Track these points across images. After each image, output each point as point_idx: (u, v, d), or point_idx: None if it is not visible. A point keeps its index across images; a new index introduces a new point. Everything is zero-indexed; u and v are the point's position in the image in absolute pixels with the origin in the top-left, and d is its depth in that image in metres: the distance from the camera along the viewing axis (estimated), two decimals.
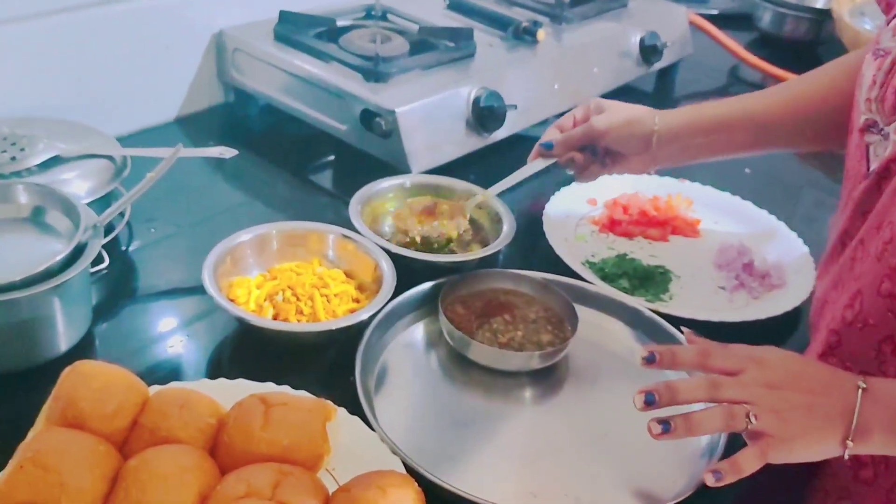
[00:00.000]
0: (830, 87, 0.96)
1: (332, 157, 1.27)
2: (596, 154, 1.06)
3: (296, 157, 1.27)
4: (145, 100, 1.27)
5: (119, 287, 0.98)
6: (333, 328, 0.86)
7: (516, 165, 1.22)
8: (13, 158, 0.97)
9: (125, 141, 1.18)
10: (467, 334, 0.90)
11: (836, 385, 0.72)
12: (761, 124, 1.00)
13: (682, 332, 0.87)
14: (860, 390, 0.70)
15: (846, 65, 0.95)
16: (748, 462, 0.70)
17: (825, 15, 1.78)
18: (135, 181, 0.91)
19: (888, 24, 0.79)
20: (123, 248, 1.04)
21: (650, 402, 0.72)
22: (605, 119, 1.03)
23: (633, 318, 0.98)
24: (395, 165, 1.16)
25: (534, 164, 1.07)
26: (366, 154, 1.19)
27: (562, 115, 1.35)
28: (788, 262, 1.10)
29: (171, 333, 0.92)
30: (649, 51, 1.50)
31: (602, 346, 0.96)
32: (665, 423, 0.71)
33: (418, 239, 1.03)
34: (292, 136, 1.30)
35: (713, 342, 0.79)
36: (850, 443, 0.69)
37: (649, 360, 0.76)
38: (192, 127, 1.32)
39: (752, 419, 0.69)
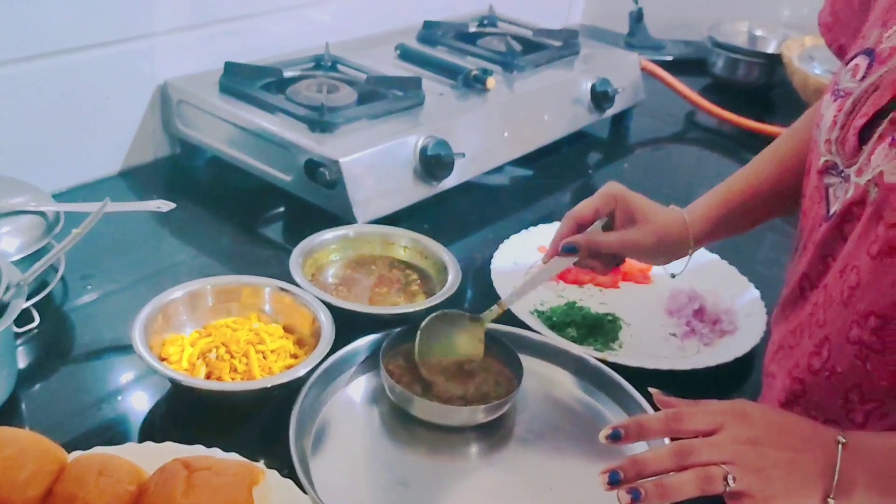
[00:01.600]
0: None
1: (278, 209, 1.25)
2: (618, 262, 1.00)
3: (242, 209, 1.24)
4: (88, 153, 1.25)
5: (50, 347, 0.95)
6: (268, 386, 0.83)
7: (465, 215, 1.20)
8: None
9: (66, 196, 1.16)
10: (409, 390, 0.87)
11: (816, 440, 0.69)
12: (773, 199, 0.97)
13: (648, 391, 0.83)
14: (840, 445, 0.68)
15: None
16: None
17: (776, 60, 1.80)
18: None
19: (846, 64, 0.78)
20: (57, 305, 1.01)
21: (615, 482, 0.67)
22: (637, 238, 0.95)
23: (579, 368, 0.95)
24: (340, 215, 1.14)
25: (552, 267, 0.97)
26: (312, 205, 1.17)
27: (512, 162, 1.35)
28: (739, 307, 1.09)
29: (103, 396, 0.88)
30: (601, 97, 1.50)
31: (549, 397, 0.94)
32: (635, 491, 0.66)
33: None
34: (239, 188, 1.27)
35: (683, 401, 0.73)
36: (831, 500, 0.67)
37: (614, 438, 0.70)
38: (136, 180, 1.30)
39: (731, 481, 0.66)
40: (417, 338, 0.90)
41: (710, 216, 0.97)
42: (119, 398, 0.88)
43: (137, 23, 1.24)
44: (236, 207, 1.25)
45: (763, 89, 1.86)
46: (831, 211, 0.76)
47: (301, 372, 0.85)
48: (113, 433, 0.84)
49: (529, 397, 0.92)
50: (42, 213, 1.00)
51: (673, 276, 1.11)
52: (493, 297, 1.03)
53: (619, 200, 0.95)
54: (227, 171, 1.27)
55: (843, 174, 0.75)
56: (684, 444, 0.69)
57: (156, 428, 0.84)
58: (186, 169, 1.33)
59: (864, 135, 0.72)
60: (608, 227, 0.96)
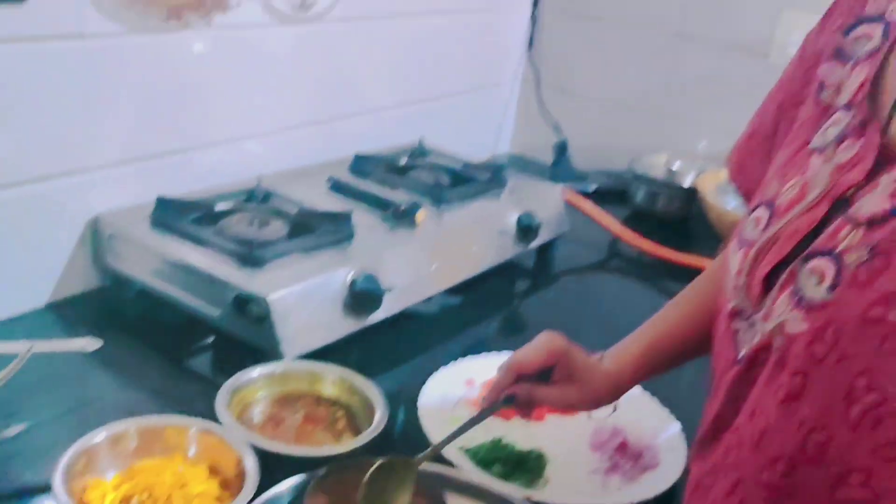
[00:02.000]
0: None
1: (206, 343, 1.25)
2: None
3: (170, 343, 1.24)
4: (14, 286, 1.24)
5: None
6: None
7: (394, 347, 1.22)
8: None
9: None
10: None
11: None
12: (701, 336, 1.00)
13: None
14: None
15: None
16: None
17: (693, 193, 1.88)
18: None
19: (749, 214, 0.83)
20: None
21: None
22: (575, 399, 0.99)
23: None
24: (268, 350, 1.15)
25: (485, 412, 0.97)
26: (240, 339, 1.18)
27: (440, 292, 1.38)
28: (661, 441, 1.11)
29: None
30: (526, 230, 1.55)
31: None
32: None
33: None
34: (167, 321, 1.27)
35: None
36: None
37: None
38: (64, 313, 1.29)
39: None
40: (362, 493, 0.88)
41: (639, 368, 1.01)
42: None
43: (72, 157, 1.25)
44: (165, 341, 1.24)
45: (682, 220, 1.94)
46: (740, 355, 0.80)
47: None
48: None
49: None
50: None
51: (590, 416, 1.13)
52: (420, 435, 1.04)
53: (560, 357, 0.97)
54: (156, 304, 1.28)
55: (749, 319, 0.79)
56: None
57: None
58: (115, 301, 1.33)
59: (768, 283, 0.77)
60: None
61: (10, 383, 0.86)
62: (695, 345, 1.01)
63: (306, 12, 1.50)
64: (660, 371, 1.03)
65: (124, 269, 1.29)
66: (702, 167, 1.99)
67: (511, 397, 0.96)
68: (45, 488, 0.88)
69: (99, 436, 0.91)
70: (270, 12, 1.45)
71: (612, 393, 1.00)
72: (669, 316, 1.03)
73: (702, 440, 0.89)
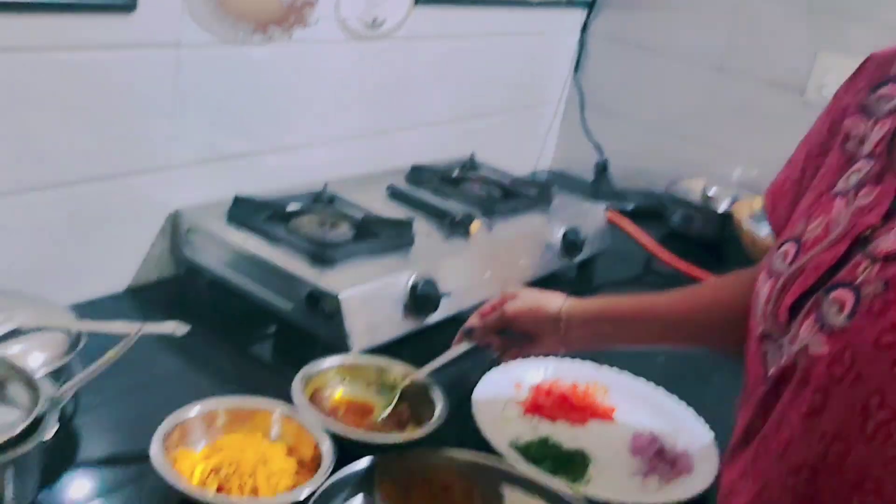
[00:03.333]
0: (733, 297, 1.08)
1: (275, 333, 1.35)
2: (513, 338, 1.19)
3: (241, 332, 1.34)
4: (99, 271, 1.34)
5: (60, 456, 1.01)
6: None
7: (448, 346, 1.31)
8: None
9: (76, 309, 1.24)
10: None
11: None
12: (665, 321, 1.13)
13: None
14: None
15: (751, 278, 1.07)
16: None
17: (728, 217, 1.96)
18: (89, 353, 0.97)
19: (778, 248, 0.91)
20: (66, 416, 1.08)
21: None
22: (515, 305, 1.18)
23: (556, 500, 1.05)
24: (335, 344, 1.24)
25: (458, 348, 1.22)
26: (308, 332, 1.27)
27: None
28: (695, 450, 1.20)
29: None
30: (571, 245, 1.64)
31: None
32: None
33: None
34: (239, 311, 1.37)
35: None
36: None
37: None
38: (142, 298, 1.39)
39: None
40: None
41: (590, 304, 1.17)
42: None
43: (157, 155, 1.35)
44: (236, 330, 1.34)
45: (716, 243, 2.02)
46: (768, 374, 0.89)
47: (303, 494, 0.93)
48: None
49: None
50: (64, 330, 1.08)
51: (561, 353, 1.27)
52: (474, 429, 1.13)
53: (508, 294, 1.21)
54: (227, 294, 1.37)
55: (777, 342, 0.87)
56: None
57: None
58: (189, 290, 1.43)
59: (794, 310, 0.85)
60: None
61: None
62: (670, 331, 1.14)
63: (376, 31, 1.60)
64: (609, 337, 1.16)
65: (200, 260, 1.39)
66: (736, 194, 2.06)
67: (468, 329, 1.22)
68: (134, 457, 0.97)
69: (192, 411, 1.00)
70: (344, 29, 1.55)
71: (552, 314, 1.16)
72: (646, 297, 1.18)
73: (733, 448, 0.97)
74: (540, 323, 1.17)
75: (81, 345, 1.08)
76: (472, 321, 1.22)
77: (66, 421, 1.06)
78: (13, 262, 1.22)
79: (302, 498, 0.92)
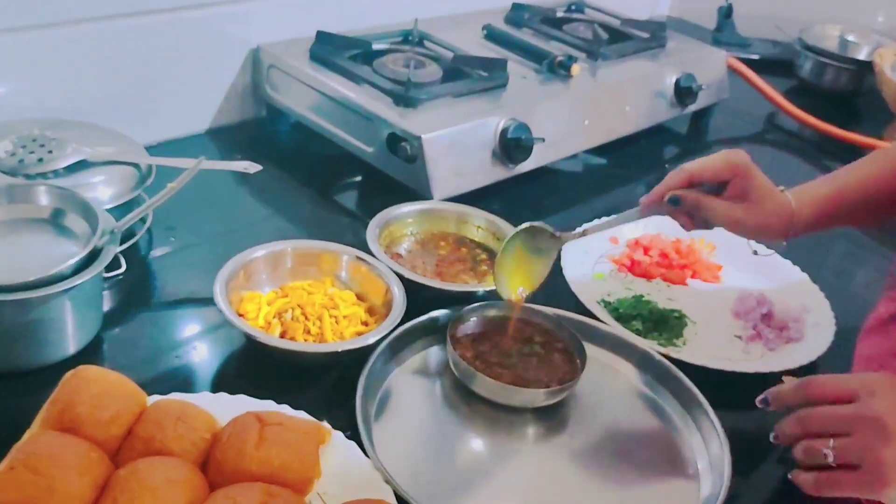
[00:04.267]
0: None
1: (356, 178, 1.28)
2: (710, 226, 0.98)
3: (321, 176, 1.27)
4: (179, 109, 1.29)
5: (133, 293, 0.99)
6: (339, 350, 0.86)
7: (539, 199, 1.22)
8: (40, 160, 0.99)
9: (155, 149, 1.20)
10: (473, 367, 0.89)
11: None
12: (884, 200, 0.96)
13: (706, 390, 0.86)
14: None
15: None
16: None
17: (867, 67, 1.76)
18: (158, 189, 0.92)
19: None
20: (142, 254, 1.05)
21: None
22: (742, 216, 0.93)
23: (642, 361, 0.96)
24: (417, 190, 1.16)
25: (646, 211, 0.97)
26: (389, 177, 1.20)
27: (588, 150, 1.36)
28: (808, 316, 1.08)
29: (180, 343, 0.92)
30: (684, 92, 1.49)
31: (609, 386, 0.95)
32: None
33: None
34: (319, 155, 1.30)
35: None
36: None
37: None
38: (223, 139, 1.34)
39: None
40: (505, 242, 0.95)
41: (820, 211, 0.95)
42: (195, 348, 0.91)
43: None
44: (316, 173, 1.28)
45: (850, 96, 1.83)
46: None
47: (371, 340, 0.87)
48: (188, 381, 0.87)
49: (591, 385, 0.93)
50: (136, 165, 1.04)
51: (755, 253, 1.09)
52: (563, 284, 1.05)
53: (740, 172, 0.92)
54: (309, 137, 1.30)
55: None
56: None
57: (229, 380, 0.88)
58: (270, 132, 1.37)
59: None
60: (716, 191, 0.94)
61: (172, 200, 0.90)
62: (881, 206, 0.96)
63: None
64: (838, 223, 0.98)
65: (282, 101, 1.32)
66: (877, 42, 1.85)
67: (676, 198, 0.93)
68: (203, 298, 0.93)
69: (258, 252, 0.95)
70: None
71: (783, 225, 0.94)
72: (864, 168, 0.98)
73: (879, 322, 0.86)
74: (762, 235, 0.97)
75: (150, 180, 1.04)
76: (685, 192, 0.93)
77: (140, 259, 1.04)
78: (90, 96, 1.17)
79: (370, 343, 0.87)
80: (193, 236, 1.09)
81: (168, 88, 1.26)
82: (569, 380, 0.90)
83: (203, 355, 0.91)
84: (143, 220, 1.05)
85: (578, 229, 0.98)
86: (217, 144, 1.32)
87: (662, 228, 1.21)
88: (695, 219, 0.96)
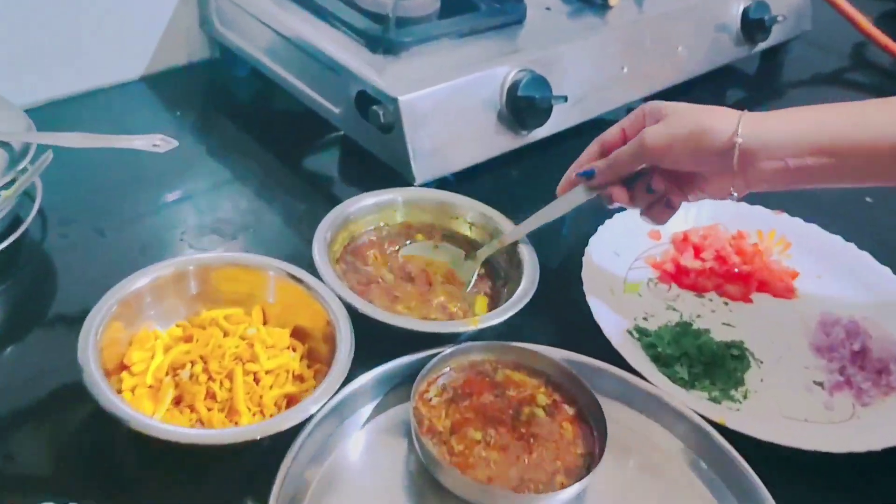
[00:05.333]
0: None
1: (324, 147, 1.00)
2: (652, 190, 0.75)
3: (280, 140, 1.00)
4: (109, 51, 1.02)
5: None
6: (236, 441, 0.59)
7: (559, 175, 0.94)
8: None
9: (76, 101, 0.97)
10: (441, 455, 0.63)
11: None
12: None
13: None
14: None
15: None
16: None
17: None
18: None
19: None
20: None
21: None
22: (662, 131, 0.71)
23: (689, 434, 0.69)
24: (395, 168, 0.88)
25: (568, 198, 0.78)
26: (363, 148, 0.92)
27: (628, 110, 1.06)
28: None
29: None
30: (755, 26, 1.17)
31: (641, 467, 0.68)
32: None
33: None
34: (280, 112, 1.03)
35: None
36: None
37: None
38: (162, 87, 1.08)
39: None
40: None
41: (782, 124, 0.70)
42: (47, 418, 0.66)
43: None
44: (275, 137, 1.00)
45: None
46: None
47: (296, 419, 0.61)
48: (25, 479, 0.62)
49: (614, 469, 0.66)
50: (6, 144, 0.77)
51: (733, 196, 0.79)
52: (583, 307, 0.77)
53: (648, 112, 0.74)
54: (267, 88, 1.03)
55: None
56: None
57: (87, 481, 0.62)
58: (225, 79, 1.09)
59: None
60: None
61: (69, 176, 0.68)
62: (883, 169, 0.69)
63: None
64: (814, 175, 0.70)
65: (234, 41, 1.04)
66: None
67: (589, 171, 0.76)
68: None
69: (141, 280, 0.67)
70: None
71: (723, 136, 0.69)
72: (866, 107, 0.70)
73: None
74: (702, 155, 0.70)
75: (26, 161, 0.77)
76: (591, 155, 0.78)
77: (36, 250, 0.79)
78: None
79: (285, 429, 0.60)
80: (92, 229, 0.83)
81: (90, 25, 0.98)
82: (582, 470, 0.64)
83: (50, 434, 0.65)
84: (31, 200, 0.79)
85: (494, 241, 0.81)
86: (154, 94, 1.05)
87: (720, 216, 0.92)
88: (636, 187, 0.76)
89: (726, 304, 0.85)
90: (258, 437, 0.60)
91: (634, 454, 0.68)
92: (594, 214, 0.87)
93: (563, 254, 0.86)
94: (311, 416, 0.62)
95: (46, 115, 0.91)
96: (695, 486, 0.67)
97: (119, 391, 0.63)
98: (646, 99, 1.07)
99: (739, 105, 0.72)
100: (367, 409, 0.68)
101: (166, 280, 0.68)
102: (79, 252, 0.80)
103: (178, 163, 0.92)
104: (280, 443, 0.61)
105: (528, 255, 0.78)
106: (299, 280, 0.71)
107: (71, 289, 0.76)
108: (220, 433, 0.60)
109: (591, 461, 0.64)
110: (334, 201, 0.82)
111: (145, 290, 0.67)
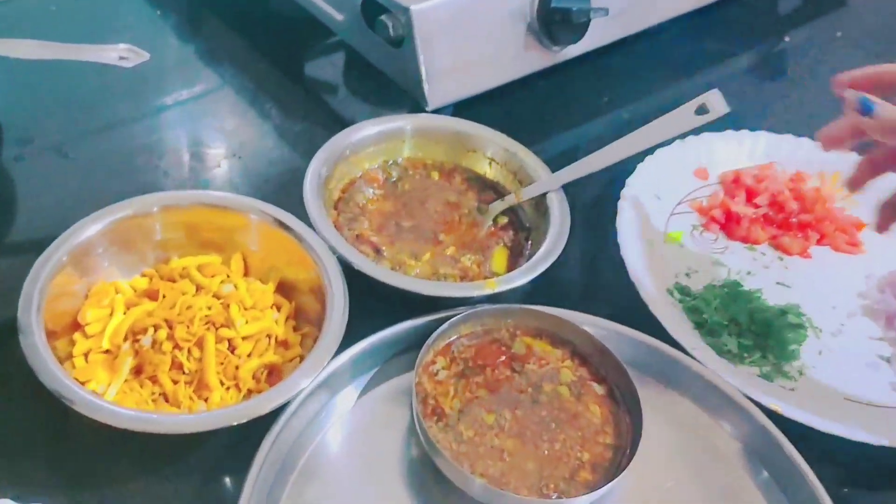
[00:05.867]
0: None
1: (327, 58, 0.88)
2: None
3: (279, 47, 0.88)
4: None
5: None
6: (198, 430, 0.50)
7: (595, 100, 0.83)
8: None
9: None
10: (447, 444, 0.53)
11: None
12: None
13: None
14: None
15: None
16: None
17: None
18: None
19: None
20: None
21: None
22: None
23: (740, 421, 0.59)
24: (407, 90, 0.76)
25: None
26: (371, 65, 0.80)
27: (675, 21, 0.94)
28: None
29: None
30: None
31: (686, 471, 0.58)
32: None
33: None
34: (275, 16, 0.90)
35: None
36: None
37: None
38: None
39: None
40: None
41: None
42: None
43: None
44: (270, 43, 0.88)
45: None
46: None
47: (278, 400, 0.51)
48: None
49: (649, 464, 0.56)
50: None
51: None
52: (616, 261, 0.66)
53: None
54: None
55: None
56: None
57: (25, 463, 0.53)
58: None
59: None
60: None
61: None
62: None
63: None
64: None
65: None
66: None
67: (869, 105, 0.54)
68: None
69: (95, 225, 0.57)
70: None
71: None
72: None
73: None
74: None
75: None
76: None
77: None
78: None
79: (265, 412, 0.51)
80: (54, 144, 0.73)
81: None
82: (610, 465, 0.54)
83: None
84: None
85: (510, 196, 0.69)
86: None
87: (776, 154, 0.81)
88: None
89: (781, 259, 0.74)
90: (233, 423, 0.50)
91: (675, 450, 0.59)
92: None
93: (593, 196, 0.74)
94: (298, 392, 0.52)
95: None
96: (746, 490, 0.57)
97: (70, 356, 0.54)
98: (695, 11, 0.95)
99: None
100: (362, 381, 0.59)
101: (126, 224, 0.58)
102: (37, 178, 0.70)
103: (156, 73, 0.81)
104: (260, 418, 0.51)
105: (557, 201, 0.67)
106: (287, 227, 0.60)
107: (26, 223, 0.66)
108: (181, 420, 0.50)
109: (620, 456, 0.55)
110: (335, 121, 0.71)
111: (101, 236, 0.57)
